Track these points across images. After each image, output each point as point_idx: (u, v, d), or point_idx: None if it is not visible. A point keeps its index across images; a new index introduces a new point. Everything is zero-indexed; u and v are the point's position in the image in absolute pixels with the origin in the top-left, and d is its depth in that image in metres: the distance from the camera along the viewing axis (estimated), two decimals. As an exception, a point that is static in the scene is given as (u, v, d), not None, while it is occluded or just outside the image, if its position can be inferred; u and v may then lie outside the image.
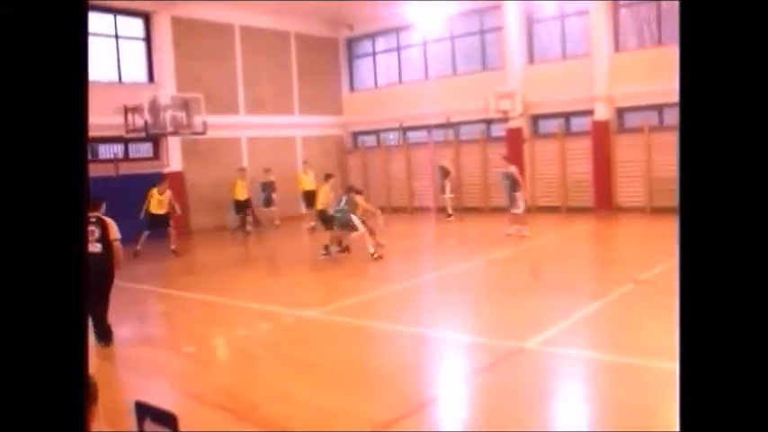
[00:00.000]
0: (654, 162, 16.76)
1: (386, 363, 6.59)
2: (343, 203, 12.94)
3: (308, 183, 18.60)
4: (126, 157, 18.19)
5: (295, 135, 22.23)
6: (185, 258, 14.54)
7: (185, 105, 17.52)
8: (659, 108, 17.08)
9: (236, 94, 20.61)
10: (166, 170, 18.49)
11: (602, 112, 17.90)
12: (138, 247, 13.86)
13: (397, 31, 22.56)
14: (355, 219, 12.70)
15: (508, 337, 6.94)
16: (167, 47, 18.80)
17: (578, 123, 19.00)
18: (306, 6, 20.15)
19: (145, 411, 1.89)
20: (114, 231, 7.52)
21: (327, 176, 14.60)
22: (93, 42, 17.40)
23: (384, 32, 23.12)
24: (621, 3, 18.21)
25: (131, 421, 1.96)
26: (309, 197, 17.62)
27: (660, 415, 4.61)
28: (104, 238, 7.37)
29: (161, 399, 4.93)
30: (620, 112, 18.10)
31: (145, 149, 18.80)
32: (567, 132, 18.93)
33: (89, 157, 17.09)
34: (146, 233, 14.19)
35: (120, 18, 18.16)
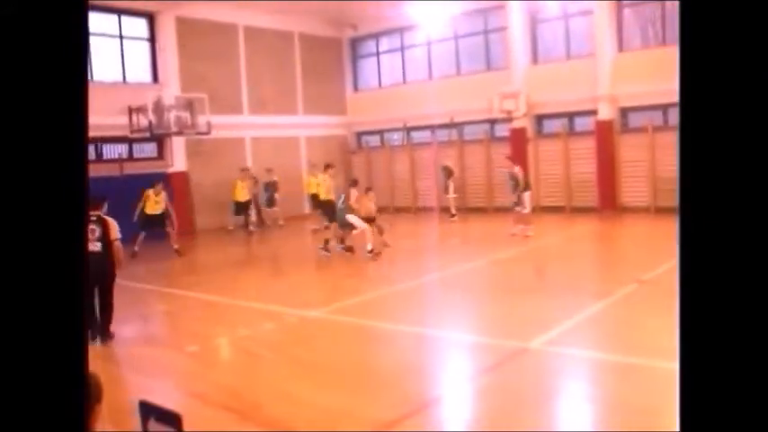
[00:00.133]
0: (658, 162, 16.72)
1: (389, 363, 6.59)
2: (341, 201, 12.91)
3: (317, 186, 16.56)
4: (130, 157, 18.23)
5: (299, 135, 22.24)
6: (188, 258, 14.57)
7: (189, 105, 17.52)
8: (663, 108, 17.04)
9: (239, 95, 20.64)
10: (170, 170, 18.55)
11: (606, 112, 17.86)
12: (136, 248, 13.91)
13: (400, 31, 22.55)
14: (351, 218, 12.63)
15: (512, 337, 6.94)
16: (171, 47, 18.83)
17: (582, 123, 18.97)
18: (310, 6, 20.15)
19: (149, 411, 1.90)
20: (115, 231, 7.54)
21: (327, 166, 14.64)
22: (97, 42, 17.47)
23: (388, 32, 23.11)
24: (625, 2, 18.17)
25: (136, 420, 1.97)
26: (318, 201, 15.89)
27: (664, 415, 4.60)
28: (105, 238, 7.40)
29: (164, 398, 4.94)
30: (624, 111, 18.05)
31: (149, 149, 18.83)
32: (571, 132, 18.89)
33: (93, 156, 17.19)
34: (142, 234, 14.19)
35: (124, 18, 18.20)
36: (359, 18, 22.46)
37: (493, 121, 20.26)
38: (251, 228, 18.17)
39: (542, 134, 19.69)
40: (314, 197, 17.11)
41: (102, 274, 7.41)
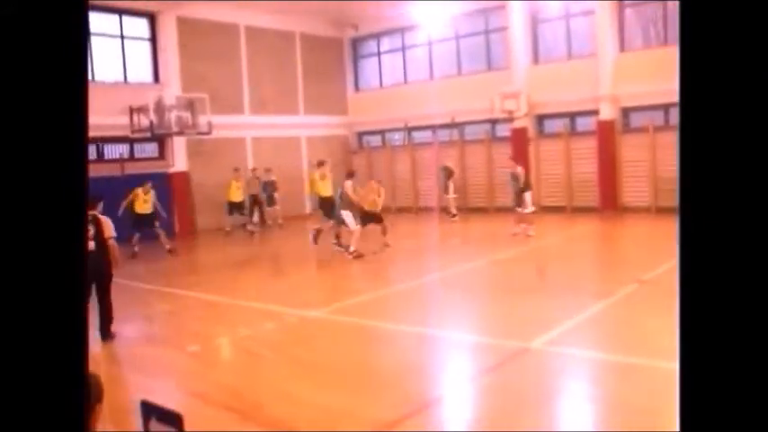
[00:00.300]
0: (659, 162, 16.71)
1: (390, 363, 6.59)
2: (338, 195, 12.84)
3: (325, 188, 14.93)
4: (131, 157, 18.25)
5: (300, 135, 22.24)
6: (189, 258, 14.59)
7: (190, 105, 17.54)
8: (665, 108, 17.03)
9: (240, 95, 20.65)
10: (171, 170, 18.57)
11: (608, 112, 17.85)
12: (136, 249, 13.93)
13: (401, 31, 22.55)
14: (345, 215, 12.54)
15: (513, 337, 6.93)
16: (172, 47, 18.84)
17: (583, 123, 18.96)
18: (311, 6, 20.16)
19: (150, 410, 1.89)
20: (109, 229, 7.54)
21: (320, 163, 14.60)
22: (98, 42, 17.48)
23: (389, 32, 23.11)
24: (627, 2, 18.16)
25: (137, 420, 1.97)
26: (327, 204, 14.45)
27: (664, 415, 4.60)
28: (99, 236, 7.40)
29: (165, 398, 4.95)
30: (626, 111, 18.05)
31: (150, 149, 18.85)
32: (573, 132, 18.89)
33: (95, 156, 17.21)
34: (137, 235, 14.16)
35: (125, 18, 18.22)
36: (360, 18, 22.47)
37: (494, 121, 20.27)
38: (249, 227, 18.12)
39: (543, 134, 19.69)
40: (323, 201, 15.14)
41: (98, 273, 7.41)
